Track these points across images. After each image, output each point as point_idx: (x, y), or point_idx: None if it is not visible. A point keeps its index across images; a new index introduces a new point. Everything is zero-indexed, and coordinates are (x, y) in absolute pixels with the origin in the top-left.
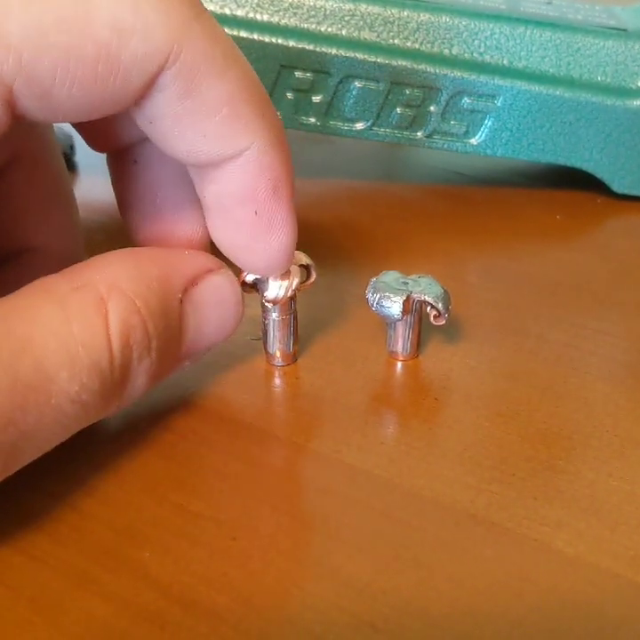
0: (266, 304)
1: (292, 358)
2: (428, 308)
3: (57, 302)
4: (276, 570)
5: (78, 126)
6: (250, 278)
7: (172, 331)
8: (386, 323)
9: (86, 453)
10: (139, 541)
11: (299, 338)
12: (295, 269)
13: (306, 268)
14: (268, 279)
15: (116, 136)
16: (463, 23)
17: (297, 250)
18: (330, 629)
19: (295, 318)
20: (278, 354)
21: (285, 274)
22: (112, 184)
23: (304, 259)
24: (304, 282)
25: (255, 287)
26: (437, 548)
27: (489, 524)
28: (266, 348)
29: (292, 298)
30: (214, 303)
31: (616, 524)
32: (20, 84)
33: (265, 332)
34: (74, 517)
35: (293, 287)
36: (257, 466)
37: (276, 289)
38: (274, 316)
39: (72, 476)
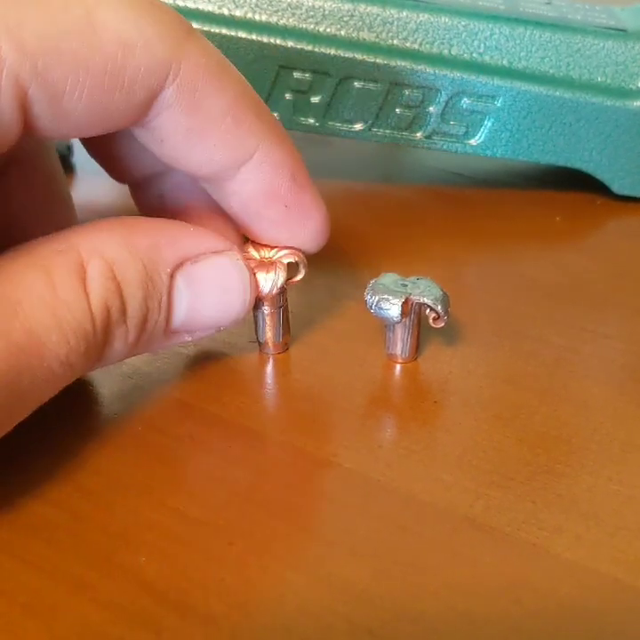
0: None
1: (283, 348)
2: (427, 311)
3: (40, 266)
4: (273, 575)
5: (99, 158)
6: None
7: (153, 304)
8: (384, 325)
9: (81, 457)
10: (134, 546)
11: (290, 329)
12: (282, 265)
13: (295, 264)
14: (254, 275)
15: (137, 167)
16: (462, 23)
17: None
18: (326, 635)
19: (285, 311)
20: (269, 343)
21: (271, 268)
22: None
23: (293, 256)
24: (291, 278)
25: None
26: (435, 553)
27: (487, 528)
28: (257, 338)
29: (281, 292)
30: (215, 284)
31: (616, 528)
32: (35, 90)
33: (255, 323)
34: (69, 522)
35: (279, 284)
36: (254, 470)
37: (262, 283)
38: (263, 308)
39: (67, 481)
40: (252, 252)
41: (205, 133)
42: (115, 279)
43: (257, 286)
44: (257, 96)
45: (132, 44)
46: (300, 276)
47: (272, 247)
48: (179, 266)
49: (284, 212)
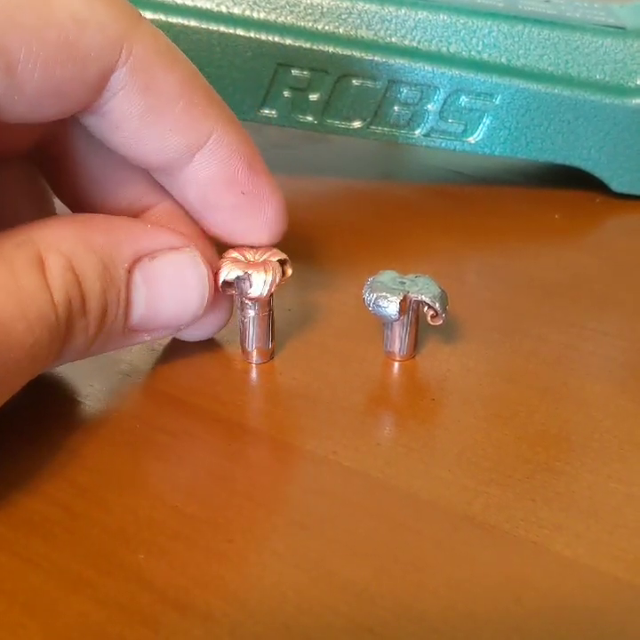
0: (246, 301)
1: (269, 356)
2: (426, 308)
3: (2, 258)
4: (272, 573)
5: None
6: (231, 276)
7: (112, 297)
8: (383, 323)
9: (80, 455)
10: (133, 544)
11: (276, 335)
12: (276, 265)
13: (282, 263)
14: (250, 276)
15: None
16: (461, 21)
17: (274, 247)
18: (326, 634)
19: (272, 315)
20: (256, 352)
21: (267, 269)
22: None
23: (279, 254)
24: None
25: (233, 286)
26: (435, 551)
27: (487, 526)
28: (243, 346)
29: (271, 294)
30: (172, 280)
31: (615, 526)
32: None
33: (243, 330)
34: (67, 520)
35: (277, 282)
36: (253, 467)
37: (260, 286)
38: (252, 313)
39: (65, 478)
40: (237, 256)
41: (160, 116)
42: (73, 271)
43: (215, 283)
44: (207, 82)
45: (86, 21)
46: (288, 275)
47: (256, 251)
48: (136, 261)
49: (242, 199)
